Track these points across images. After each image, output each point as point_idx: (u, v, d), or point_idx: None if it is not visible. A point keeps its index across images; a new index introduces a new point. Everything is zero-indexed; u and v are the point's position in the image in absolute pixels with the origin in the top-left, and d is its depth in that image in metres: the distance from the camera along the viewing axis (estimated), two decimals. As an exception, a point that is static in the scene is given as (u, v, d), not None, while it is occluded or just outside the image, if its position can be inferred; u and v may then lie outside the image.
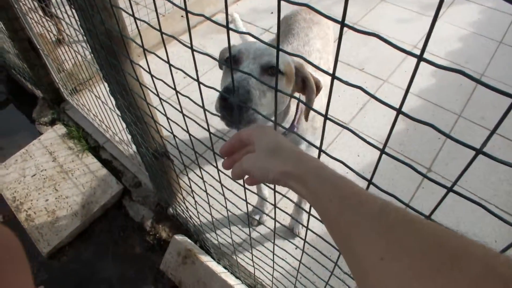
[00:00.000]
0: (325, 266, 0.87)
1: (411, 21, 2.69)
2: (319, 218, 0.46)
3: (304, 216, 1.53)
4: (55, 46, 2.14)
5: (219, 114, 0.76)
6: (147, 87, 0.84)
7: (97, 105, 1.78)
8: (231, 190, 0.79)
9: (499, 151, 1.85)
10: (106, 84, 1.12)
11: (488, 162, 1.77)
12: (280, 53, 0.85)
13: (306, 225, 0.67)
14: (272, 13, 2.78)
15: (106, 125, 1.87)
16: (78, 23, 0.98)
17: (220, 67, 1.08)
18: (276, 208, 0.69)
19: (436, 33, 2.39)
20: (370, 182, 0.49)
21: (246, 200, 0.77)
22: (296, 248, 0.84)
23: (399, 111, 0.37)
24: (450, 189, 0.38)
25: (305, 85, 0.97)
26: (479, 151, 0.33)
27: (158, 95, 0.75)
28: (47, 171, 1.95)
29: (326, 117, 0.49)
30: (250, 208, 1.50)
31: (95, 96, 1.69)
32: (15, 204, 1.81)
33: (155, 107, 0.88)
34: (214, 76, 2.15)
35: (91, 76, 2.02)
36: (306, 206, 1.39)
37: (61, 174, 1.93)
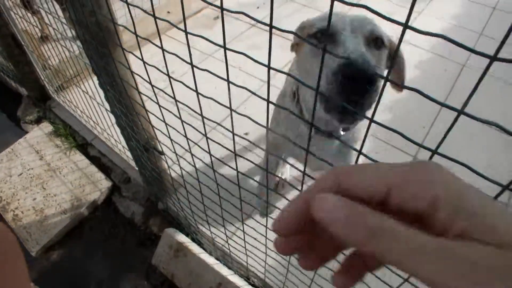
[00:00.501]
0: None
1: (393, 14, 2.72)
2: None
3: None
4: (40, 43, 2.11)
5: (326, 107, 0.66)
6: (138, 75, 0.84)
7: (85, 101, 1.76)
8: (223, 175, 0.80)
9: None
10: (94, 79, 1.11)
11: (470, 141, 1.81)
12: (376, 22, 0.76)
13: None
14: (258, 7, 2.79)
15: (94, 121, 1.86)
16: (62, 17, 0.97)
17: (293, 49, 0.90)
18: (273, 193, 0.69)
19: (420, 27, 2.43)
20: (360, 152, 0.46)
21: (238, 184, 0.78)
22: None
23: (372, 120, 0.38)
24: (435, 151, 0.39)
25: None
26: (460, 112, 0.34)
27: (150, 83, 0.75)
28: (34, 170, 1.92)
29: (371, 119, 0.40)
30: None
31: (83, 91, 1.67)
32: (1, 204, 1.78)
33: (146, 95, 0.88)
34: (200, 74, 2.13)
35: (78, 72, 2.00)
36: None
37: (49, 172, 1.91)
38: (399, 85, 0.35)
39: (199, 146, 0.80)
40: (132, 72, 0.83)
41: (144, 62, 0.72)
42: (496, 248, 0.20)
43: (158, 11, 2.44)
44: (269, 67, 0.44)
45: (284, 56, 1.96)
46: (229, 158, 1.56)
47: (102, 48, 0.90)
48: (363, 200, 0.24)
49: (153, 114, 0.91)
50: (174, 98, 0.73)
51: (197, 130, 0.76)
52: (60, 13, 1.82)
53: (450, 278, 0.19)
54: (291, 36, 2.29)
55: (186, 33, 0.54)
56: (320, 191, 0.25)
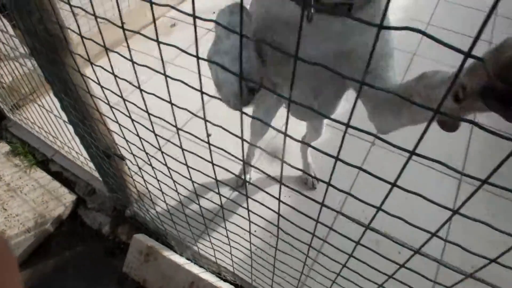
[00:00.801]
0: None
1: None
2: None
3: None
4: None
5: None
6: (89, 78, 0.85)
7: (42, 116, 1.74)
8: (179, 173, 0.82)
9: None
10: (50, 95, 1.11)
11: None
12: None
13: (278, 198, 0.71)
14: (214, 12, 2.83)
15: (53, 136, 1.83)
16: (14, 36, 0.97)
17: None
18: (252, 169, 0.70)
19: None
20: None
21: (191, 179, 0.80)
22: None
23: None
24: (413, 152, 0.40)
25: None
26: (412, 152, 0.36)
27: (99, 84, 0.77)
28: (-7, 191, 1.86)
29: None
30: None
31: (39, 106, 1.65)
32: (-40, 228, 1.72)
33: (99, 98, 0.89)
34: (157, 83, 2.15)
35: (34, 89, 1.96)
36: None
37: (9, 192, 1.86)
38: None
39: (151, 144, 0.83)
40: (82, 75, 0.84)
41: (114, 73, 0.74)
42: None
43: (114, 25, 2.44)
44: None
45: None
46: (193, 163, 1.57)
47: (53, 55, 0.91)
48: None
49: (107, 117, 0.92)
50: (147, 111, 0.75)
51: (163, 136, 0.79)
52: (10, 30, 1.79)
53: None
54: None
55: (158, 42, 0.55)
56: None
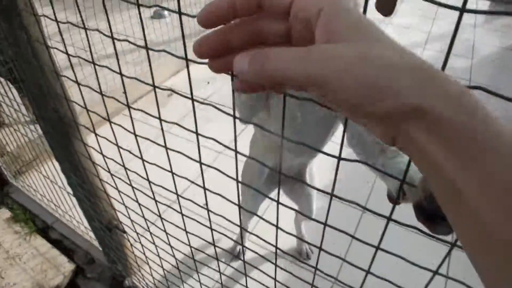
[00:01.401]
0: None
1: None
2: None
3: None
4: (-4, 130, 2.16)
5: None
6: (99, 165, 0.94)
7: (45, 184, 1.81)
8: (183, 253, 0.89)
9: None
10: (54, 162, 1.19)
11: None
12: None
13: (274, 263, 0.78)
14: (208, 83, 3.01)
15: (55, 204, 1.89)
16: (21, 103, 1.08)
17: None
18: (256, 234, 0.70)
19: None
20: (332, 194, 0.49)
21: (190, 245, 0.87)
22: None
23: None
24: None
25: None
26: (388, 219, 0.47)
27: (109, 171, 0.86)
28: (-9, 259, 1.89)
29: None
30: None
31: (44, 176, 1.73)
32: (-43, 298, 1.72)
33: (107, 182, 0.98)
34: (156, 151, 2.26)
35: (37, 155, 2.05)
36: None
37: (8, 260, 1.88)
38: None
39: (156, 225, 0.90)
40: (94, 163, 0.94)
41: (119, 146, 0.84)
42: (348, 43, 0.24)
43: (114, 93, 2.59)
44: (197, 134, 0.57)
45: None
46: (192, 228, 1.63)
47: (65, 141, 1.01)
48: (274, 12, 0.28)
49: (114, 198, 1.00)
50: (148, 180, 0.84)
51: (152, 212, 0.87)
52: (18, 98, 1.91)
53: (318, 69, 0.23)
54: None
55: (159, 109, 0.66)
56: (244, 3, 0.28)
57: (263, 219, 0.60)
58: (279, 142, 0.97)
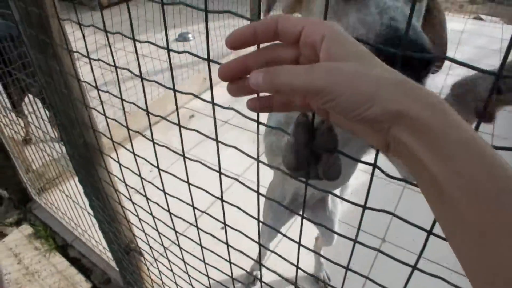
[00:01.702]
0: None
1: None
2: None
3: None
4: (23, 146, 2.23)
5: None
6: (121, 193, 0.96)
7: (67, 203, 1.85)
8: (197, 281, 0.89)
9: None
10: (76, 182, 1.22)
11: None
12: None
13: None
14: (230, 105, 3.04)
15: (75, 223, 1.92)
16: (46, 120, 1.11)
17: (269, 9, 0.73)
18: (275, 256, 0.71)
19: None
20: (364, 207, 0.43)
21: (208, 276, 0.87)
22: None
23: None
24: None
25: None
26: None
27: (131, 199, 0.88)
28: (11, 274, 1.92)
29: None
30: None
31: (66, 195, 1.77)
32: (-23, 313, 1.75)
33: (128, 210, 1.00)
34: (177, 169, 2.28)
35: (60, 173, 2.10)
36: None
37: (27, 276, 1.91)
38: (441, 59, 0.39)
39: (172, 252, 0.91)
40: (116, 190, 0.95)
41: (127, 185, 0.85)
42: (347, 62, 0.29)
43: (136, 114, 2.65)
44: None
45: (252, 150, 2.14)
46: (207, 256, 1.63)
47: (88, 167, 1.03)
48: (288, 40, 0.34)
49: (134, 225, 1.01)
50: (163, 191, 0.84)
51: (168, 238, 0.87)
52: (44, 116, 1.97)
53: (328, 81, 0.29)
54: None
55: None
56: (268, 24, 0.34)
57: (286, 236, 0.59)
58: None
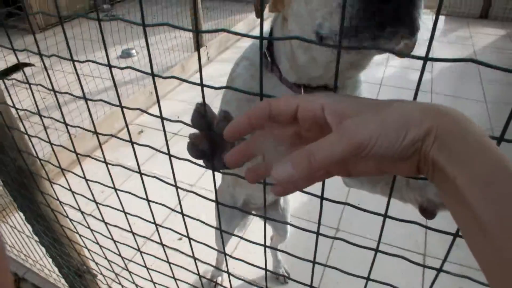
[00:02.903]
0: None
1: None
2: None
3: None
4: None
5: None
6: (61, 213, 0.94)
7: (13, 235, 1.76)
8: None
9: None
10: (21, 214, 1.18)
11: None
12: None
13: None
14: (178, 116, 3.04)
15: (25, 254, 1.84)
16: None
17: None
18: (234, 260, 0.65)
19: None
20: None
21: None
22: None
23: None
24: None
25: None
26: None
27: (68, 217, 0.86)
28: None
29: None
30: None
31: (11, 226, 1.69)
32: None
33: (70, 229, 0.98)
34: (129, 187, 2.25)
35: (4, 207, 2.00)
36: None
37: (-23, 318, 1.80)
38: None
39: (129, 271, 0.90)
40: (53, 210, 0.94)
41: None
42: (362, 113, 0.32)
43: (83, 135, 2.59)
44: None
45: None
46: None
47: (25, 191, 1.00)
48: (284, 120, 0.36)
49: (80, 245, 0.99)
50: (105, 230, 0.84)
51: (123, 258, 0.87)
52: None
53: (341, 147, 0.31)
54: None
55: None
56: (257, 116, 0.36)
57: (244, 239, 0.61)
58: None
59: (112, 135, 0.66)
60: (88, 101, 0.62)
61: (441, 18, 5.20)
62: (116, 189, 0.71)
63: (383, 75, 3.62)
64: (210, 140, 0.44)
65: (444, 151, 0.29)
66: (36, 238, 1.32)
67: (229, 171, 0.46)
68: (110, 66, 0.53)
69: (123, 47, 4.12)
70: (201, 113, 0.42)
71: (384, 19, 0.42)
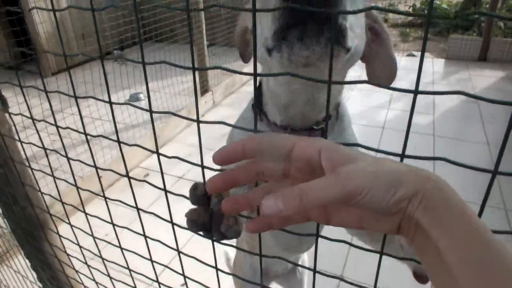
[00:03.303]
0: None
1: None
2: None
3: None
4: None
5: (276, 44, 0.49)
6: (65, 263, 0.95)
7: (15, 279, 1.75)
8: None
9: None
10: (24, 258, 1.18)
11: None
12: None
13: None
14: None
15: (26, 301, 1.81)
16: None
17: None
18: None
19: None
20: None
21: None
22: None
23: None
24: None
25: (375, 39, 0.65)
26: None
27: (74, 268, 0.87)
28: None
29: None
30: None
31: (14, 271, 1.68)
32: None
33: (75, 279, 0.98)
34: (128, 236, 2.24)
35: (8, 249, 1.99)
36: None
37: None
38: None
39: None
40: (60, 261, 0.94)
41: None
42: (358, 162, 0.34)
43: (90, 178, 2.61)
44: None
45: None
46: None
47: (32, 241, 1.02)
48: (276, 156, 0.37)
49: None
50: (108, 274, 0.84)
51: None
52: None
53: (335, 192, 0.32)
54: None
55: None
56: (253, 146, 0.37)
57: None
58: (276, 241, 1.02)
59: (120, 174, 0.69)
60: (93, 144, 0.66)
61: (441, 61, 5.36)
62: (117, 227, 0.72)
63: (385, 118, 3.67)
64: (209, 214, 0.47)
65: (428, 214, 0.31)
66: (40, 284, 1.31)
67: (227, 241, 0.49)
68: (111, 103, 0.56)
69: (131, 91, 4.25)
70: (197, 192, 0.46)
71: (307, 19, 0.45)
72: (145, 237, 0.71)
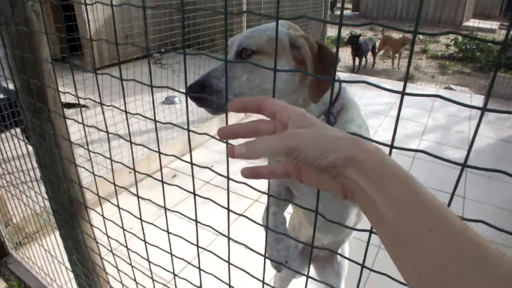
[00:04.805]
0: None
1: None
2: None
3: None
4: (5, 200, 2.27)
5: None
6: (102, 244, 1.04)
7: (45, 258, 1.87)
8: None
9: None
10: (56, 237, 1.28)
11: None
12: (256, 32, 0.85)
13: None
14: (212, 166, 3.17)
15: (51, 278, 1.93)
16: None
17: None
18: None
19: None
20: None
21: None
22: None
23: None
24: None
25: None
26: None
27: (112, 251, 0.95)
28: (-20, 332, 1.88)
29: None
30: None
31: (45, 250, 1.80)
32: None
33: (107, 260, 1.06)
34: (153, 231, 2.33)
35: (39, 229, 2.12)
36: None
37: (-4, 334, 1.87)
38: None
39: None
40: (97, 242, 1.03)
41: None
42: (308, 128, 0.42)
43: (121, 171, 2.74)
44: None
45: (237, 207, 2.22)
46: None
47: (72, 221, 1.11)
48: (267, 115, 0.47)
49: (112, 276, 1.07)
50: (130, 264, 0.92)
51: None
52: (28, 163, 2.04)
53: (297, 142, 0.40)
54: (243, 192, 2.60)
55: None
56: (260, 104, 0.47)
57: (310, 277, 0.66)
58: (309, 219, 1.18)
59: (147, 174, 0.78)
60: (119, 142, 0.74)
61: (480, 97, 5.25)
62: (148, 223, 0.80)
63: (417, 148, 3.64)
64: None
65: (365, 178, 0.38)
66: (67, 265, 1.41)
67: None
68: (154, 115, 0.64)
69: (168, 94, 4.41)
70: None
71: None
72: (168, 233, 0.78)
